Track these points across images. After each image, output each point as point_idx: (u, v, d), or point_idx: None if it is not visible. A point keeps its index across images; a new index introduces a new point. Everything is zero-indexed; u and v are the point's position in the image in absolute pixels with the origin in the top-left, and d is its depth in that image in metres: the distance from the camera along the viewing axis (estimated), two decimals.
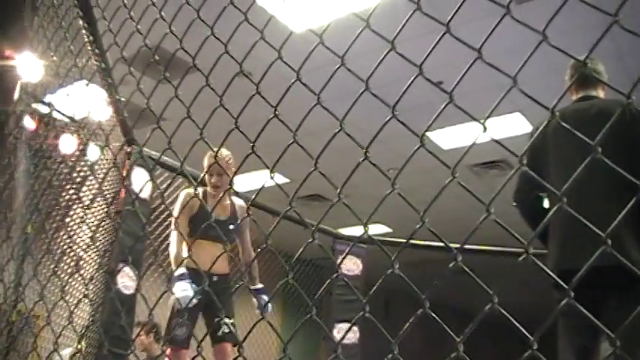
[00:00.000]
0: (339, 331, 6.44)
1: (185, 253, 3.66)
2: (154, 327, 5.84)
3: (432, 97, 5.95)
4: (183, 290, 3.64)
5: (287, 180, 9.03)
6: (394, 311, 12.88)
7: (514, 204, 3.04)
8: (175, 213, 3.90)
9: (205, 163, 3.98)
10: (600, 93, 3.08)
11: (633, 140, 2.70)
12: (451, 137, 7.91)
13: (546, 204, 3.01)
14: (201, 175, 4.17)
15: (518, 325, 0.79)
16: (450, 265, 0.83)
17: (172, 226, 4.04)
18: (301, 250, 1.08)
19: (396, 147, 6.29)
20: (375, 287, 0.89)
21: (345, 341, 6.39)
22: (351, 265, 6.67)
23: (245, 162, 1.42)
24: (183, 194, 4.08)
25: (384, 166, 1.08)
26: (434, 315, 0.83)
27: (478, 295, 0.85)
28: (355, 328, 6.50)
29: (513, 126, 7.44)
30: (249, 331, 1.23)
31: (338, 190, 0.96)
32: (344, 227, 8.32)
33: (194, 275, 3.73)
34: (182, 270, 3.74)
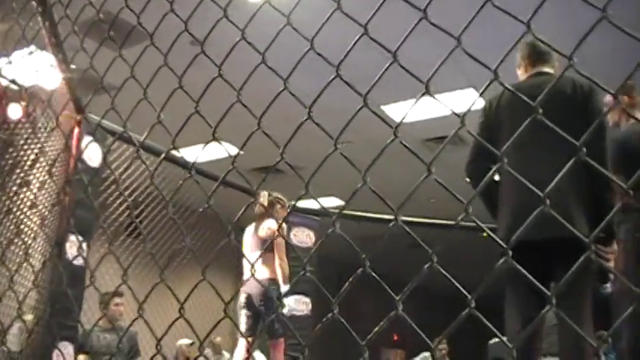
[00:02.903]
0: (293, 302, 6.46)
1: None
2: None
3: (389, 71, 5.90)
4: None
5: (240, 152, 8.95)
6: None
7: (466, 177, 3.06)
8: None
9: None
10: (552, 70, 3.11)
11: (587, 119, 2.73)
12: (405, 111, 7.93)
13: (497, 177, 3.04)
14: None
15: (457, 284, 0.79)
16: (390, 224, 0.83)
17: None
18: (242, 211, 1.06)
19: (352, 121, 6.30)
20: (317, 243, 0.88)
21: (297, 313, 6.42)
22: (304, 237, 6.66)
23: (196, 135, 1.39)
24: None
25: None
26: (374, 274, 0.83)
27: (436, 275, 0.85)
28: (307, 300, 6.54)
29: (467, 101, 7.50)
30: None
31: (281, 150, 0.94)
32: (300, 201, 8.30)
33: None
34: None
